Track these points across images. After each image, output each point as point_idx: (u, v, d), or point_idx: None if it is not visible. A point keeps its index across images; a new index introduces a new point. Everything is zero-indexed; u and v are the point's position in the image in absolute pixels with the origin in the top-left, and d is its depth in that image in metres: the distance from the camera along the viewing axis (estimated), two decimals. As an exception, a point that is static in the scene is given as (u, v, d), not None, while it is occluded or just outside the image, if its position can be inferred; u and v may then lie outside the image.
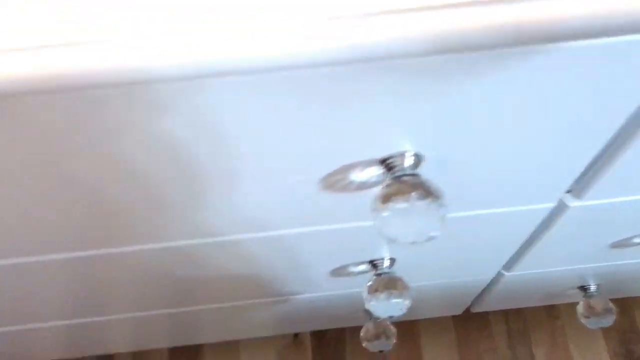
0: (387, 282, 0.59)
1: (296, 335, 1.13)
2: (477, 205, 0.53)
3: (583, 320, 0.83)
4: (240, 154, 0.39)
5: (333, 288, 0.75)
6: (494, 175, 0.48)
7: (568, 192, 0.54)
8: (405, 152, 0.41)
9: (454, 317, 1.13)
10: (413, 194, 0.39)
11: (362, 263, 0.63)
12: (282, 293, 0.76)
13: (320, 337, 1.13)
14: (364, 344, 0.82)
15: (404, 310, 0.60)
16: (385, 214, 0.40)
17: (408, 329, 1.12)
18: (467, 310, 1.04)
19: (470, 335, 1.13)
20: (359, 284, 0.72)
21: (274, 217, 0.50)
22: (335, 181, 0.44)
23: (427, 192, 0.39)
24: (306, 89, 0.34)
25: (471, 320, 1.13)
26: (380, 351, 0.80)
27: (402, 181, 0.40)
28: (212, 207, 0.47)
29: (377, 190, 0.42)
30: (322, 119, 0.37)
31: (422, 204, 0.39)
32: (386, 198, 0.40)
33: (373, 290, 0.59)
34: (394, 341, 0.81)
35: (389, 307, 0.59)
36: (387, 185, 0.40)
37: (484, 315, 1.13)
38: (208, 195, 0.45)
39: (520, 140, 0.43)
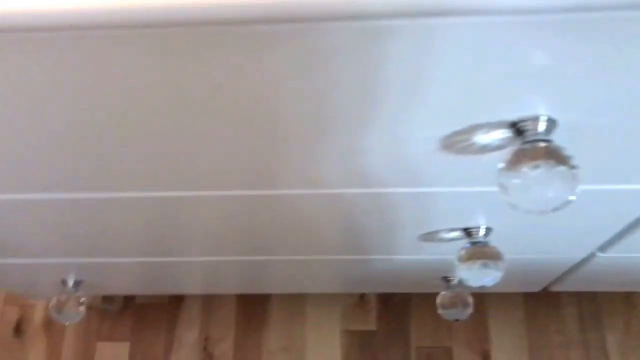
0: (483, 251, 0.58)
1: (362, 295, 1.13)
2: (596, 179, 0.50)
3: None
4: (377, 100, 0.38)
5: (415, 252, 0.73)
6: (623, 149, 0.45)
7: (694, 174, 0.50)
8: (540, 116, 0.39)
9: (524, 294, 1.11)
10: (547, 160, 0.37)
11: (456, 230, 0.62)
12: (363, 252, 0.76)
13: (386, 300, 1.13)
14: (439, 311, 0.81)
15: (496, 281, 0.59)
16: (513, 179, 0.38)
17: (476, 301, 1.11)
18: (542, 289, 1.01)
19: (540, 314, 1.10)
20: (442, 251, 0.71)
21: (383, 173, 0.49)
22: (457, 141, 0.43)
23: (562, 159, 0.37)
24: (456, 38, 0.32)
25: (542, 300, 1.10)
26: (456, 320, 0.79)
27: (535, 146, 0.38)
28: (327, 155, 0.46)
29: (505, 153, 0.40)
30: (459, 71, 0.35)
31: (556, 172, 0.37)
32: (516, 162, 0.38)
33: (467, 258, 0.58)
34: (471, 311, 0.79)
35: (482, 277, 0.58)
36: (518, 150, 0.39)
37: (556, 295, 1.10)
38: (329, 142, 0.44)
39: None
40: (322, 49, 0.32)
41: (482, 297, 1.11)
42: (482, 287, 0.59)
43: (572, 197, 0.37)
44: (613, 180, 0.50)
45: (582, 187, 0.52)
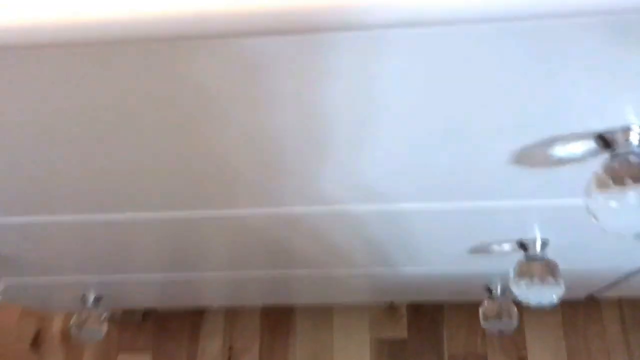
0: (543, 267, 0.53)
1: (391, 302, 1.09)
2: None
3: None
4: (445, 111, 0.33)
5: (459, 264, 0.69)
6: None
7: None
8: (631, 125, 0.34)
9: (561, 297, 1.06)
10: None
11: (509, 241, 0.57)
12: (401, 264, 0.71)
13: (417, 307, 1.08)
14: (482, 324, 0.76)
15: (557, 300, 0.54)
16: (606, 200, 0.33)
17: (510, 305, 1.06)
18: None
19: (579, 317, 1.06)
20: (489, 264, 0.66)
21: (439, 185, 0.45)
22: (532, 154, 0.38)
23: (662, 176, 0.33)
24: (527, 41, 0.27)
25: (580, 302, 1.06)
26: (500, 332, 0.75)
27: (629, 161, 0.33)
28: (373, 168, 0.42)
29: (596, 169, 0.35)
30: (541, 79, 0.30)
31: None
32: (608, 181, 0.33)
33: (524, 273, 0.53)
34: (516, 324, 0.75)
35: (541, 294, 0.53)
36: (609, 165, 0.34)
37: (594, 297, 1.05)
38: (378, 152, 0.39)
39: None
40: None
41: (516, 302, 1.06)
42: (540, 304, 0.55)
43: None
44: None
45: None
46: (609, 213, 0.34)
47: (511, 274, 0.55)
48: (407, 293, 0.92)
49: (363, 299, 1.00)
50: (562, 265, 0.63)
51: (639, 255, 0.66)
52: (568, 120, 0.35)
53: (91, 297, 0.83)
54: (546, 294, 0.53)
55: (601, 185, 0.34)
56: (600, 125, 0.35)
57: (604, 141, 0.35)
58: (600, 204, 0.34)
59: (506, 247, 0.58)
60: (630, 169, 0.33)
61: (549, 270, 0.53)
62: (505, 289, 0.77)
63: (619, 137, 0.35)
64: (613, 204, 0.33)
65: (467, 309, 1.04)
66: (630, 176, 0.33)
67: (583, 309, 1.05)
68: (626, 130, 0.34)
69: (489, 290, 0.77)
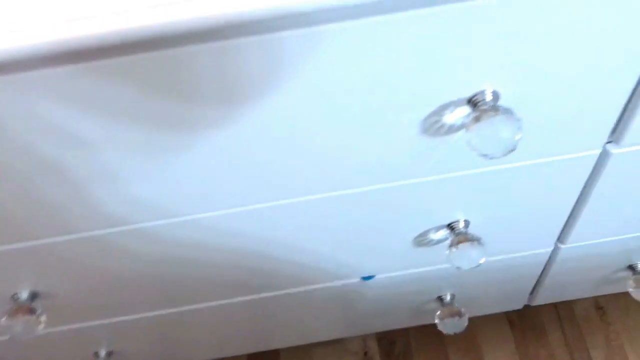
0: (469, 236, 0.71)
1: (365, 352, 1.22)
2: (531, 155, 0.66)
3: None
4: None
5: (408, 265, 0.84)
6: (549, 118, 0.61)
7: (609, 142, 0.66)
8: (485, 90, 0.56)
9: (511, 326, 1.21)
10: (496, 113, 0.53)
11: (441, 228, 0.75)
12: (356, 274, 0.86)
13: (389, 352, 1.22)
14: (439, 327, 0.91)
15: (480, 262, 0.71)
16: (474, 131, 0.53)
17: (467, 338, 1.21)
18: (524, 314, 1.13)
19: (529, 345, 1.20)
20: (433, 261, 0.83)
21: (359, 170, 0.62)
22: (430, 124, 0.58)
23: (507, 112, 0.53)
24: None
25: (528, 331, 1.21)
26: (454, 333, 0.90)
27: (487, 109, 0.54)
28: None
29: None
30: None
31: (502, 118, 0.52)
32: (475, 120, 0.53)
33: (455, 242, 0.71)
34: (467, 322, 0.90)
35: (469, 258, 0.71)
36: (476, 115, 0.54)
37: (541, 325, 1.21)
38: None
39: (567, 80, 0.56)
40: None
41: (471, 336, 1.21)
42: (474, 267, 0.71)
43: (518, 136, 0.53)
44: (544, 154, 0.66)
45: (523, 163, 0.66)
46: (481, 142, 0.54)
47: (447, 250, 0.72)
48: (368, 320, 1.04)
49: (335, 334, 1.11)
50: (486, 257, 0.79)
51: (549, 237, 0.84)
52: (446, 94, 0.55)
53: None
54: (473, 258, 0.70)
55: (472, 125, 0.54)
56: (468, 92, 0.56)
57: (473, 103, 0.56)
58: (474, 139, 0.54)
59: (441, 233, 0.76)
60: (488, 112, 0.53)
61: (476, 239, 0.71)
62: (453, 298, 0.94)
63: (479, 98, 0.55)
64: (482, 136, 0.53)
65: (435, 348, 1.19)
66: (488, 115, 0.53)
67: (533, 337, 1.21)
68: (483, 92, 0.56)
69: (441, 299, 0.93)
